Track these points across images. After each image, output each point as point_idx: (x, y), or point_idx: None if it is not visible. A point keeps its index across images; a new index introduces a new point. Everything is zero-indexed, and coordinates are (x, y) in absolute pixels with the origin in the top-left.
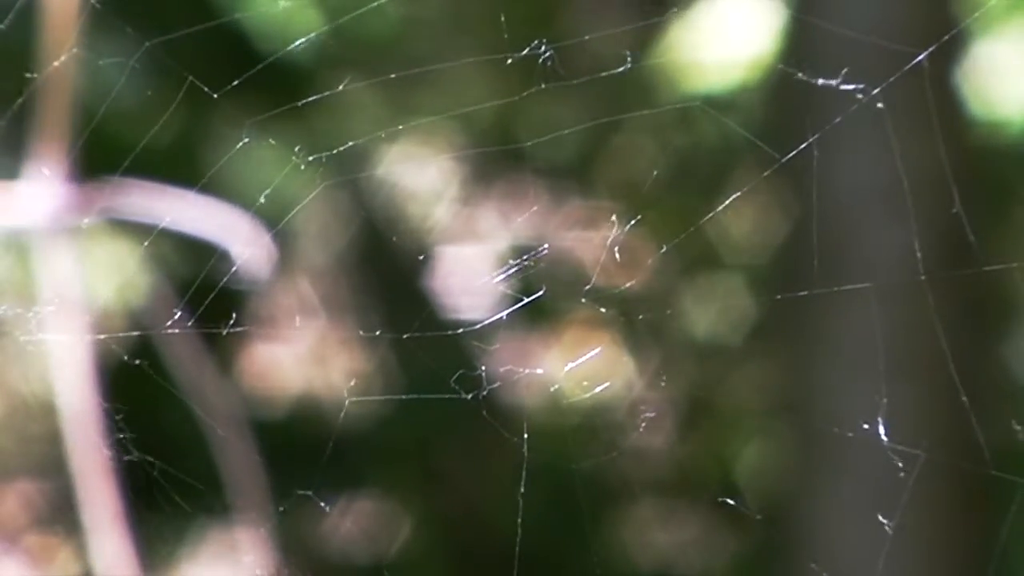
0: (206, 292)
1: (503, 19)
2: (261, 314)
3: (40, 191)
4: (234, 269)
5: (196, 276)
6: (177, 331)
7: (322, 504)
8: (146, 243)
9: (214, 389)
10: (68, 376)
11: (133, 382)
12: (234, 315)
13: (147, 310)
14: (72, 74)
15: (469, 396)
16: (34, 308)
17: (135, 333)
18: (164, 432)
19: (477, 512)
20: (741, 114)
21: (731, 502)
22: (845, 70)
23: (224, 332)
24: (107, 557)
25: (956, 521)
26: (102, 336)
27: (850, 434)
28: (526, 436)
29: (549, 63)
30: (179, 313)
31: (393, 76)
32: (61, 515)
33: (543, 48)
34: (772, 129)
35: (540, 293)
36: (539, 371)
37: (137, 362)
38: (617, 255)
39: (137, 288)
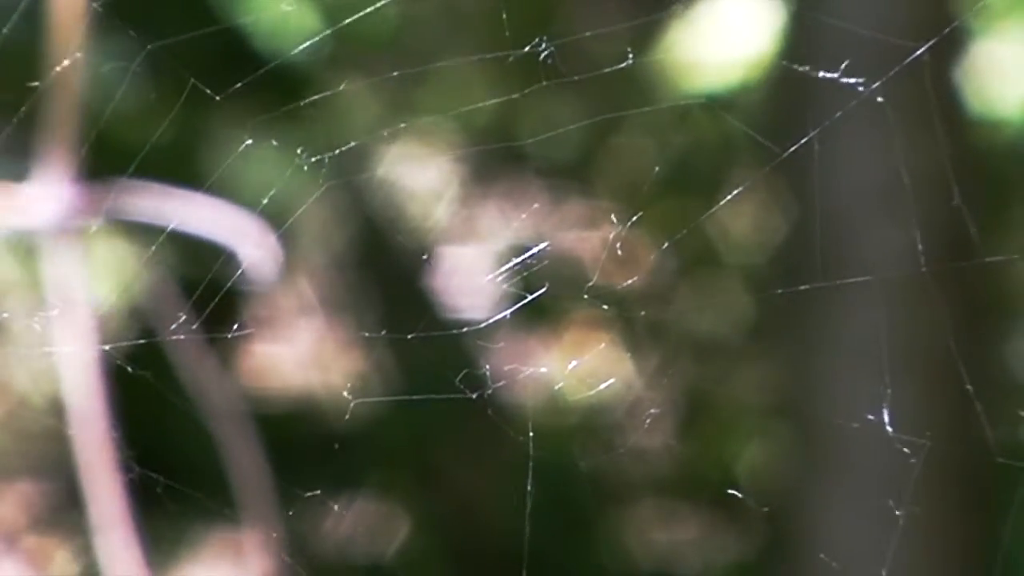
0: (213, 294)
1: (504, 17)
2: (263, 314)
3: (46, 193)
4: (241, 271)
5: (202, 278)
6: (185, 335)
7: (331, 504)
8: (152, 245)
9: (218, 391)
10: (74, 377)
11: (138, 383)
12: (241, 316)
13: (152, 311)
14: (78, 76)
15: (474, 395)
16: (39, 309)
17: (142, 340)
18: (169, 434)
19: (478, 512)
20: (742, 112)
21: (737, 496)
22: (845, 64)
23: (231, 335)
24: (113, 557)
25: (961, 517)
26: (108, 340)
27: (856, 425)
28: (531, 435)
29: (550, 60)
30: (184, 315)
31: (395, 75)
32: (61, 516)
33: (544, 45)
34: (773, 126)
35: (543, 290)
36: (543, 369)
37: (139, 367)
38: (618, 253)
39: (142, 289)
